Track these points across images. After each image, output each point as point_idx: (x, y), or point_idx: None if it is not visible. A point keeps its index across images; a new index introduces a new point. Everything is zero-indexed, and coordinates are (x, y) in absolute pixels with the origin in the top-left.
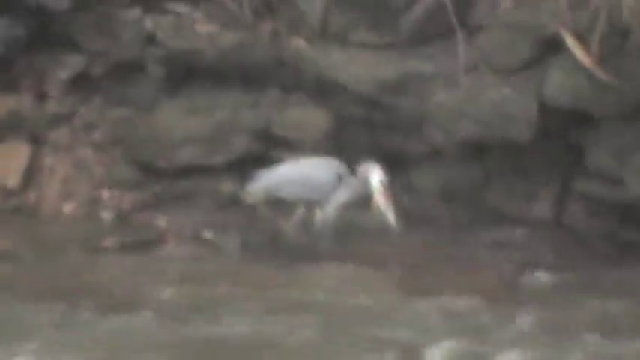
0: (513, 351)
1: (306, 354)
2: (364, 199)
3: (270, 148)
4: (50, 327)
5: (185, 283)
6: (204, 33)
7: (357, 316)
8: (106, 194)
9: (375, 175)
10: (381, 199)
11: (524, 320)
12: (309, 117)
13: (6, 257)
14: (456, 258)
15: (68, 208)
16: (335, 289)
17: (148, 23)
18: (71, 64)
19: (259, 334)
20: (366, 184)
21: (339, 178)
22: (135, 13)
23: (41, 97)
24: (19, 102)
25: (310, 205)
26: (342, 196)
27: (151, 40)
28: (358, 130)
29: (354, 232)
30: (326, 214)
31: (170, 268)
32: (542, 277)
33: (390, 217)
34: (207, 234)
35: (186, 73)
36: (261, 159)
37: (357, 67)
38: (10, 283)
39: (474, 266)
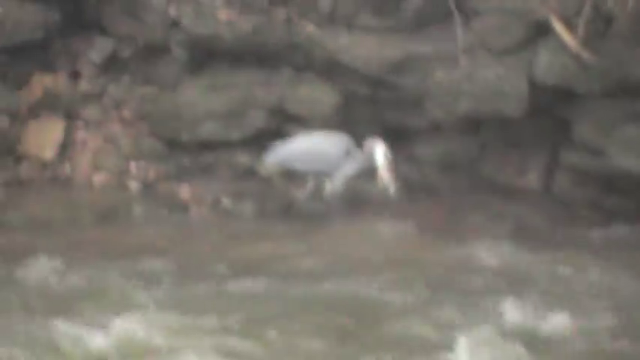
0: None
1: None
2: (369, 171)
3: (283, 123)
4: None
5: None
6: (224, 18)
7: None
8: (133, 165)
9: (379, 151)
10: (384, 172)
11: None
12: (319, 94)
13: (44, 222)
14: (455, 223)
15: (99, 178)
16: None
17: (172, 10)
18: (102, 47)
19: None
20: (370, 158)
21: (347, 152)
22: (160, 0)
23: (75, 76)
24: (55, 81)
25: (320, 176)
26: (349, 168)
27: (174, 25)
28: (364, 106)
29: (359, 200)
30: (334, 184)
31: (205, 230)
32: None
33: (392, 188)
34: (226, 201)
35: (207, 55)
36: (276, 133)
37: (363, 49)
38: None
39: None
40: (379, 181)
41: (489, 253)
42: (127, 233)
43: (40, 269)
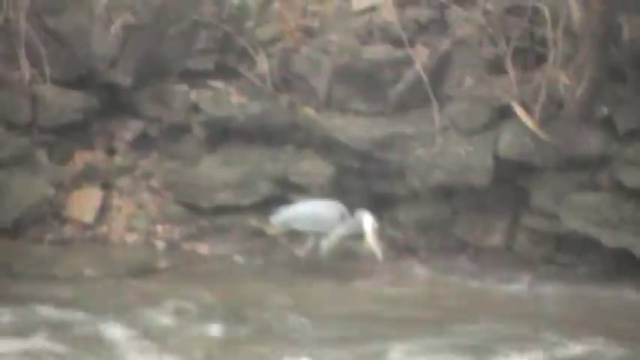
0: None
1: None
2: (358, 235)
3: (287, 191)
4: None
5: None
6: (236, 103)
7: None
8: (160, 227)
9: (367, 221)
10: (371, 239)
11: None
12: (317, 167)
13: (85, 275)
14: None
15: (131, 238)
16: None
17: (193, 95)
18: (134, 127)
19: None
20: (360, 225)
21: (341, 216)
22: (183, 87)
23: (111, 152)
24: (94, 156)
25: (318, 235)
26: (342, 230)
27: (195, 108)
28: (355, 177)
29: (350, 256)
30: (329, 242)
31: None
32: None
33: (378, 252)
34: (238, 258)
35: (222, 134)
36: (280, 200)
37: (354, 129)
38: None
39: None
40: (366, 245)
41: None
42: (156, 283)
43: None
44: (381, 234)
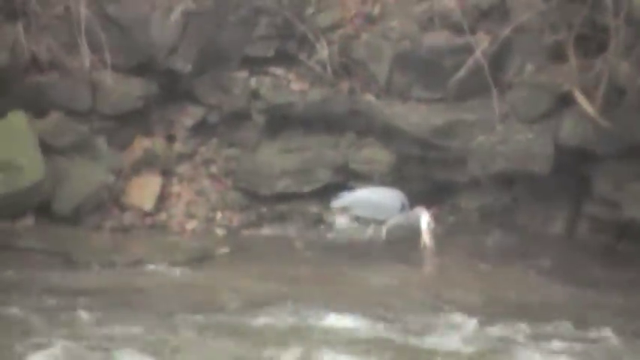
0: None
1: None
2: (414, 227)
3: (347, 179)
4: None
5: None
6: (296, 90)
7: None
8: (219, 215)
9: (424, 219)
10: (426, 236)
11: None
12: (377, 155)
13: (145, 262)
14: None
15: (191, 225)
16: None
17: (253, 82)
18: (193, 114)
19: None
20: (417, 220)
21: (402, 205)
22: (243, 74)
23: (170, 139)
24: (153, 143)
25: (377, 223)
26: (401, 219)
27: (255, 95)
28: (415, 165)
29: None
30: (386, 229)
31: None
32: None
33: (431, 247)
34: (298, 244)
35: (282, 121)
36: (340, 187)
37: (415, 116)
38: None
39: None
40: (422, 241)
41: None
42: (216, 271)
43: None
44: (434, 233)
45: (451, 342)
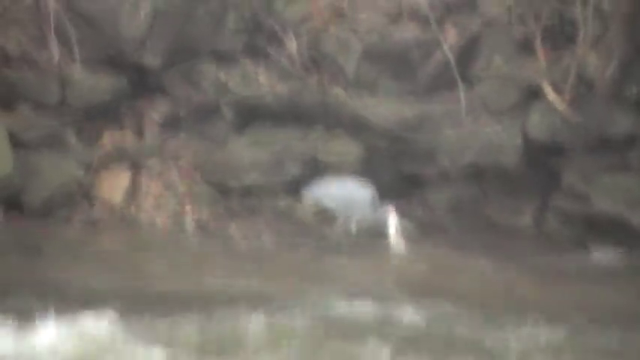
0: None
1: None
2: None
3: (316, 172)
4: None
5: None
6: (265, 83)
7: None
8: (189, 208)
9: (392, 219)
10: (394, 235)
11: None
12: (346, 147)
13: (114, 255)
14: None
15: (160, 219)
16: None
17: (222, 75)
18: (162, 108)
19: None
20: (385, 218)
21: (372, 199)
22: (211, 67)
23: (139, 133)
24: (123, 137)
25: (348, 215)
26: (370, 214)
27: (224, 88)
28: (384, 157)
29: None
30: (354, 223)
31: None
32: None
33: (400, 245)
34: (266, 238)
35: (251, 114)
36: (309, 180)
37: (384, 109)
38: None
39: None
40: (390, 238)
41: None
42: (187, 262)
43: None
44: (402, 233)
45: None
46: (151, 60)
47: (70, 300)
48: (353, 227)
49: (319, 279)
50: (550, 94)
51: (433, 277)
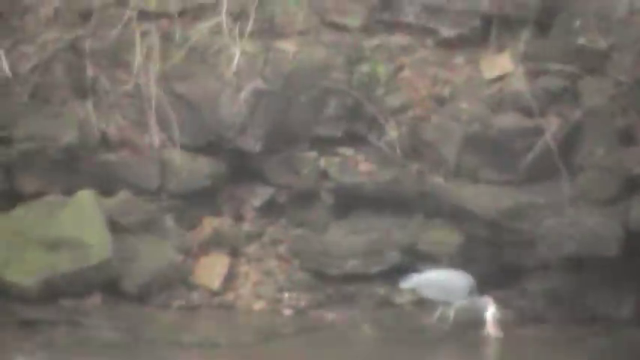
0: None
1: None
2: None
3: (415, 260)
4: None
5: None
6: (365, 170)
7: None
8: (287, 295)
9: (490, 311)
10: (490, 325)
11: None
12: (446, 236)
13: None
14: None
15: (258, 305)
16: None
17: (322, 162)
18: (262, 194)
19: None
20: (482, 308)
21: (470, 290)
22: (312, 154)
23: (238, 219)
24: (221, 223)
25: (445, 304)
26: (468, 303)
27: (323, 175)
28: (484, 247)
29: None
30: (453, 310)
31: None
32: None
33: (496, 335)
34: (366, 328)
35: (351, 201)
36: (408, 269)
37: (484, 198)
38: None
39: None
40: (487, 329)
41: None
42: (287, 350)
43: None
44: (499, 324)
45: None
46: (252, 145)
47: None
48: (451, 316)
49: None
50: None
51: None
